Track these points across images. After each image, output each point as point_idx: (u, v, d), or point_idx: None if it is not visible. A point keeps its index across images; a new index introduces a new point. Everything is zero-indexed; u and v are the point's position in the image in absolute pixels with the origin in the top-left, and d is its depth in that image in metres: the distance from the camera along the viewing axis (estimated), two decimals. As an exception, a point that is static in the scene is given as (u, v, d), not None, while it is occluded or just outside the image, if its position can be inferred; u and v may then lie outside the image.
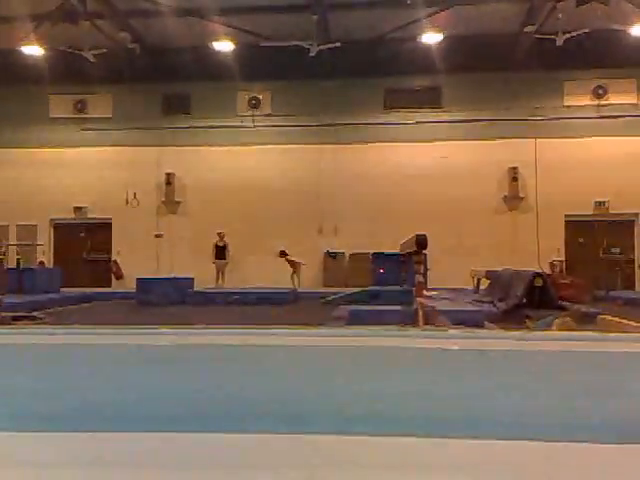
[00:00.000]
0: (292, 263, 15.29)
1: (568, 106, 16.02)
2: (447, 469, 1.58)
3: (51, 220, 17.36)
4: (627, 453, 1.61)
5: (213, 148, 16.75)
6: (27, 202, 16.72)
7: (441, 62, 14.47)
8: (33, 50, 14.86)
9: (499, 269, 11.69)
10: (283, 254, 15.31)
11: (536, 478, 1.53)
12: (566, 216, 15.88)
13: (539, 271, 10.48)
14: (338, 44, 14.43)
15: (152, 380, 1.89)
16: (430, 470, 1.58)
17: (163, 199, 17.01)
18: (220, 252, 15.72)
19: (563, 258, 15.68)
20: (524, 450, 1.68)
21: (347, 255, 16.28)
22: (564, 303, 8.87)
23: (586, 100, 16.01)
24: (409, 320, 7.13)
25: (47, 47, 14.75)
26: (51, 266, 16.44)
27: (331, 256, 16.26)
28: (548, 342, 2.07)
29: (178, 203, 17.07)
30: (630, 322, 7.37)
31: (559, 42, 13.78)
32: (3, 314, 8.67)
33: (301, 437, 1.81)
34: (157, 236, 16.80)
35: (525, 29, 14.30)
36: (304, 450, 1.73)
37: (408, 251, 9.46)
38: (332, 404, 1.90)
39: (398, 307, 8.77)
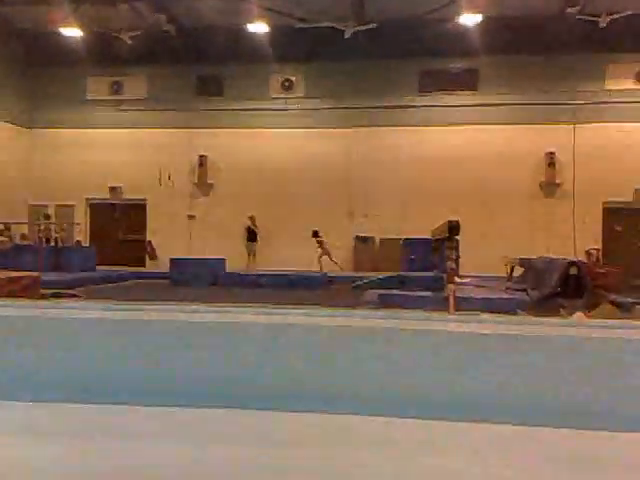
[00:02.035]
0: (321, 245, 15.29)
1: (609, 90, 15.51)
2: (477, 452, 1.58)
3: (87, 200, 17.72)
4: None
5: (245, 130, 16.78)
6: (65, 182, 17.07)
7: (478, 44, 14.14)
8: (72, 32, 15.07)
9: (533, 257, 11.50)
10: (315, 235, 15.33)
11: (579, 465, 1.51)
12: (604, 203, 15.47)
13: (575, 259, 10.28)
14: (373, 25, 14.23)
15: (184, 355, 1.93)
16: (462, 453, 1.58)
17: (196, 181, 17.17)
18: (251, 234, 15.86)
19: (600, 246, 15.30)
20: (556, 437, 1.66)
21: (378, 240, 16.21)
22: (600, 292, 8.69)
23: (629, 84, 15.47)
24: (440, 306, 7.09)
25: (85, 29, 14.93)
26: (87, 245, 16.80)
27: (361, 240, 16.22)
28: (579, 329, 2.04)
29: (210, 185, 17.21)
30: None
31: (602, 24, 13.32)
32: (42, 291, 8.93)
33: (331, 417, 1.83)
34: (190, 217, 17.00)
35: (567, 10, 13.84)
36: (334, 430, 1.75)
37: (440, 237, 9.38)
38: (362, 385, 1.90)
39: (429, 293, 8.73)
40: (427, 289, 9.24)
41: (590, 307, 7.12)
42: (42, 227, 15.20)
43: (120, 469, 1.48)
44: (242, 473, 1.46)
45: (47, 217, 16.24)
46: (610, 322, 2.00)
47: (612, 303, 7.80)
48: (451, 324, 2.12)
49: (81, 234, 17.32)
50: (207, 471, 1.46)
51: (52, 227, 15.66)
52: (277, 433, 1.72)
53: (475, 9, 13.77)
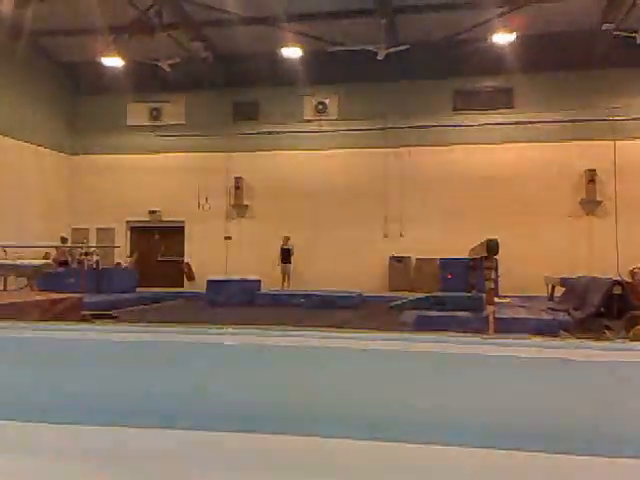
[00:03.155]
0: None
1: (649, 105, 15.16)
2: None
3: (127, 223, 18.14)
4: None
5: (280, 152, 17.00)
6: (106, 206, 17.57)
7: (513, 62, 14.06)
8: (112, 61, 15.60)
9: (575, 276, 11.21)
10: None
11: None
12: (648, 221, 15.03)
13: (618, 279, 9.97)
14: (406, 46, 14.31)
15: (219, 378, 1.93)
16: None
17: (232, 203, 17.42)
18: (286, 255, 15.95)
19: (645, 265, 14.81)
20: (606, 467, 1.60)
21: (413, 260, 16.07)
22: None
23: (669, 98, 15.11)
24: (479, 327, 6.96)
25: (125, 58, 15.45)
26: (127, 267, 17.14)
27: (397, 260, 16.11)
28: (629, 352, 1.96)
29: (246, 206, 17.42)
30: None
31: (639, 39, 13.08)
32: (84, 312, 9.13)
33: (370, 444, 1.80)
34: (226, 238, 17.22)
35: (603, 26, 13.65)
36: (376, 457, 1.72)
37: (478, 256, 9.23)
38: (403, 410, 1.87)
39: (467, 314, 8.58)
40: (466, 310, 9.08)
41: (629, 328, 6.89)
42: (84, 250, 15.55)
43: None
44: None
45: (63, 240, 16.40)
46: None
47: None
48: (493, 347, 2.07)
49: (121, 256, 17.71)
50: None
51: (77, 250, 15.82)
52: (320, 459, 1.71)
53: (508, 28, 13.70)
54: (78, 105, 18.21)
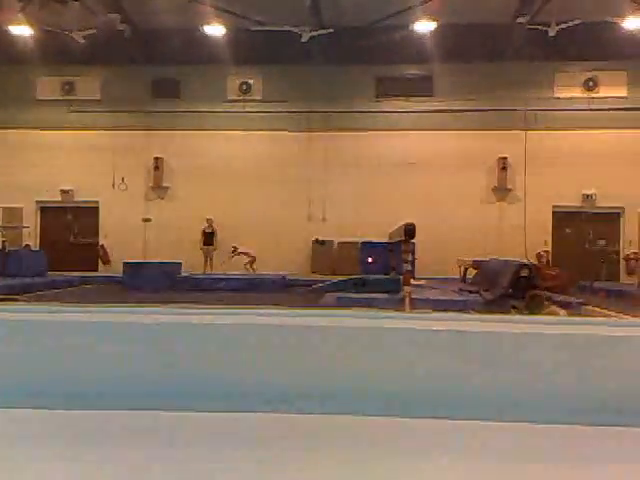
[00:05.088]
0: (247, 254, 15.30)
1: (558, 98, 16.04)
2: (427, 450, 1.60)
3: (37, 202, 17.17)
4: (602, 435, 1.63)
5: (202, 132, 16.61)
6: (13, 184, 16.47)
7: (433, 51, 14.41)
8: (20, 30, 14.58)
9: (486, 259, 11.78)
10: (234, 250, 15.32)
11: (515, 458, 1.55)
12: (554, 207, 15.98)
13: (525, 262, 10.57)
14: (330, 30, 14.32)
15: (133, 357, 1.89)
16: (415, 451, 1.60)
17: (151, 184, 16.88)
18: (208, 238, 15.70)
19: (550, 249, 15.78)
20: (506, 430, 1.70)
21: (335, 243, 16.28)
22: (542, 293, 8.92)
23: (577, 92, 16.04)
24: (396, 307, 7.17)
25: (35, 27, 14.48)
26: (37, 249, 16.27)
27: (319, 243, 16.26)
28: (529, 325, 2.09)
29: (166, 188, 16.94)
30: (613, 313, 7.46)
31: (552, 33, 13.77)
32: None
33: (286, 416, 1.82)
34: (145, 220, 16.68)
35: (518, 19, 14.26)
36: (291, 430, 1.74)
37: (396, 240, 9.49)
38: (318, 383, 1.90)
39: (386, 295, 8.82)
40: (384, 291, 9.33)
41: (531, 308, 7.33)
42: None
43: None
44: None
45: None
46: (550, 319, 2.06)
47: (558, 304, 8.04)
48: (405, 321, 2.14)
49: (31, 238, 16.76)
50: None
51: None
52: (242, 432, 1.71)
53: (429, 17, 14.01)
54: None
